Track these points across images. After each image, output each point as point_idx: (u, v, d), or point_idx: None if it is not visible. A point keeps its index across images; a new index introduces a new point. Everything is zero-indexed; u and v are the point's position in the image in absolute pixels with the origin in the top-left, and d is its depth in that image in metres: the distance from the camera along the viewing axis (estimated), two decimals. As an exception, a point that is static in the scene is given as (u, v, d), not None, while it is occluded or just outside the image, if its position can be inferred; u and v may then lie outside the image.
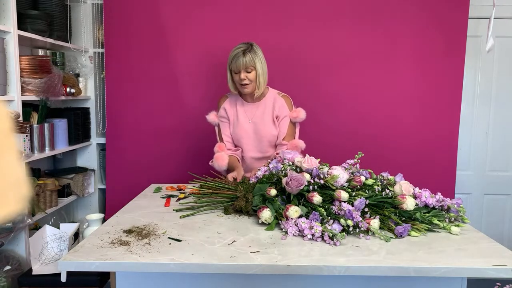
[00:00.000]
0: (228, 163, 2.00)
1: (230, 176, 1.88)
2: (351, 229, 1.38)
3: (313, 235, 1.33)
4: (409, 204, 1.45)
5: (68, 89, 2.42)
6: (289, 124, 2.05)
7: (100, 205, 2.81)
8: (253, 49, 1.95)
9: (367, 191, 1.54)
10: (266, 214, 1.46)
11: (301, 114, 2.04)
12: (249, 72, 1.94)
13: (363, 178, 1.56)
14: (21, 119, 2.02)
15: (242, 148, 2.08)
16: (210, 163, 2.04)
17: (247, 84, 1.96)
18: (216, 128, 2.15)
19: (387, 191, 1.51)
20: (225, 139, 2.09)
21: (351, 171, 1.60)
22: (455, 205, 1.51)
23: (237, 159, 2.05)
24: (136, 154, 2.65)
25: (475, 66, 2.78)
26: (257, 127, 2.04)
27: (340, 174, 1.51)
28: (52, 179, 2.40)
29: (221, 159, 1.99)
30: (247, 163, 2.08)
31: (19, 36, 2.05)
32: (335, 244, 1.30)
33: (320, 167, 1.57)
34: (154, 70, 2.60)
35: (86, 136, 2.70)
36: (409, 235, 1.40)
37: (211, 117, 2.12)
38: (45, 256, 2.00)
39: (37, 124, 2.19)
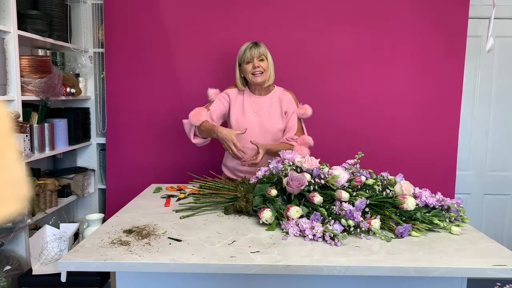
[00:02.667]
0: (203, 125, 2.00)
1: (237, 148, 1.85)
2: (352, 229, 1.38)
3: (314, 235, 1.33)
4: (410, 204, 1.45)
5: (68, 89, 2.42)
6: (297, 120, 2.09)
7: (100, 205, 2.81)
8: (262, 43, 2.05)
9: (367, 191, 1.53)
10: (267, 214, 1.46)
11: (308, 110, 2.11)
12: (262, 61, 2.01)
13: (363, 178, 1.56)
14: (21, 119, 2.02)
15: (244, 140, 2.04)
16: (183, 120, 2.08)
17: (260, 73, 2.00)
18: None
19: (388, 191, 1.51)
20: (211, 112, 2.07)
21: (351, 171, 1.60)
22: (455, 205, 1.51)
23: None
24: (136, 154, 2.65)
25: (475, 66, 2.78)
26: (262, 120, 2.05)
27: (340, 174, 1.51)
28: (52, 179, 2.40)
29: (198, 114, 2.01)
30: (248, 154, 2.06)
31: (19, 36, 2.05)
32: (336, 245, 1.30)
33: (321, 167, 1.57)
34: (154, 70, 2.60)
35: (86, 136, 2.70)
36: (409, 235, 1.40)
37: (211, 92, 2.14)
38: (45, 256, 2.00)
39: (37, 124, 2.19)
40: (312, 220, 1.39)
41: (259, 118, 2.06)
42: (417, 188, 1.55)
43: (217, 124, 2.08)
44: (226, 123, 2.16)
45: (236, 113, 2.08)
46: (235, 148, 1.86)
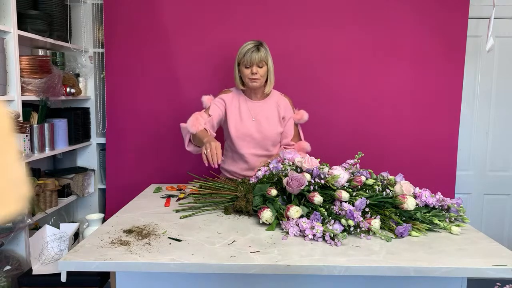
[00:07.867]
0: (198, 133, 1.87)
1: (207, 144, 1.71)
2: (352, 229, 1.38)
3: (314, 235, 1.33)
4: (410, 204, 1.45)
5: (68, 89, 2.42)
6: (294, 126, 2.09)
7: (100, 205, 2.81)
8: (264, 46, 2.00)
9: (367, 191, 1.54)
10: (267, 214, 1.46)
11: (304, 116, 2.10)
12: (261, 67, 1.97)
13: (363, 178, 1.56)
14: (21, 119, 2.02)
15: (243, 146, 2.04)
16: (180, 124, 1.98)
17: (257, 79, 1.97)
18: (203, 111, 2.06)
19: (388, 191, 1.51)
20: (212, 118, 2.00)
21: (351, 171, 1.60)
22: (455, 205, 1.51)
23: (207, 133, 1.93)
24: (136, 154, 2.64)
25: (475, 66, 2.78)
26: (260, 125, 2.04)
27: (340, 174, 1.51)
28: (52, 179, 2.39)
29: (197, 121, 1.89)
30: (249, 161, 2.05)
31: (19, 36, 2.05)
32: (336, 245, 1.30)
33: (321, 167, 1.57)
34: (154, 70, 2.60)
35: (86, 136, 2.70)
36: (409, 235, 1.40)
37: (205, 98, 2.08)
38: (45, 256, 2.00)
39: (37, 124, 2.19)
40: (312, 220, 1.39)
41: (257, 123, 2.03)
42: (417, 188, 1.55)
43: (215, 128, 2.04)
44: (222, 128, 2.14)
45: (234, 120, 2.04)
46: (209, 148, 1.70)
